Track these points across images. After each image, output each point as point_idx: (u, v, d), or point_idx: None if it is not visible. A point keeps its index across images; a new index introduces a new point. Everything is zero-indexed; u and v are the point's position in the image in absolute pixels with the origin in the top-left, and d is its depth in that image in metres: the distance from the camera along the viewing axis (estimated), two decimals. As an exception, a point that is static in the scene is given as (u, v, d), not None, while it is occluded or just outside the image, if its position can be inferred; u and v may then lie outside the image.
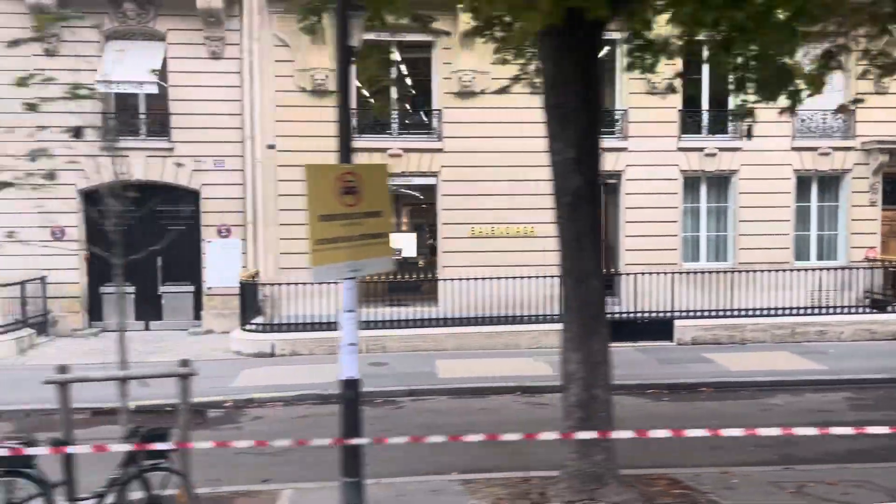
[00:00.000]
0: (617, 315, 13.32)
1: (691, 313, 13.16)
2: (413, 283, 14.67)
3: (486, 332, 12.60)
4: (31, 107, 5.78)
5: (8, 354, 12.29)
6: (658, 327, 12.91)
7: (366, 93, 14.93)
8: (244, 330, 12.75)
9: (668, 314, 13.04)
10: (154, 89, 13.76)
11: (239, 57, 14.21)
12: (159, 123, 14.40)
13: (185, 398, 5.48)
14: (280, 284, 13.34)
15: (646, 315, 13.16)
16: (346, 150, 5.49)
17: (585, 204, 5.09)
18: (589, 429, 5.17)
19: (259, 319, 13.02)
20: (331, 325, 12.75)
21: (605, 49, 14.60)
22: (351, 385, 5.37)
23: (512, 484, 6.02)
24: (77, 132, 6.32)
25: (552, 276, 13.93)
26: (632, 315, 13.18)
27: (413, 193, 15.54)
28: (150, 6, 13.90)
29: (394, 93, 14.88)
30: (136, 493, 5.12)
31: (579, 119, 5.00)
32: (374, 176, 5.45)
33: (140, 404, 9.50)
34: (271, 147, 14.41)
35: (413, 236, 15.39)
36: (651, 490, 5.68)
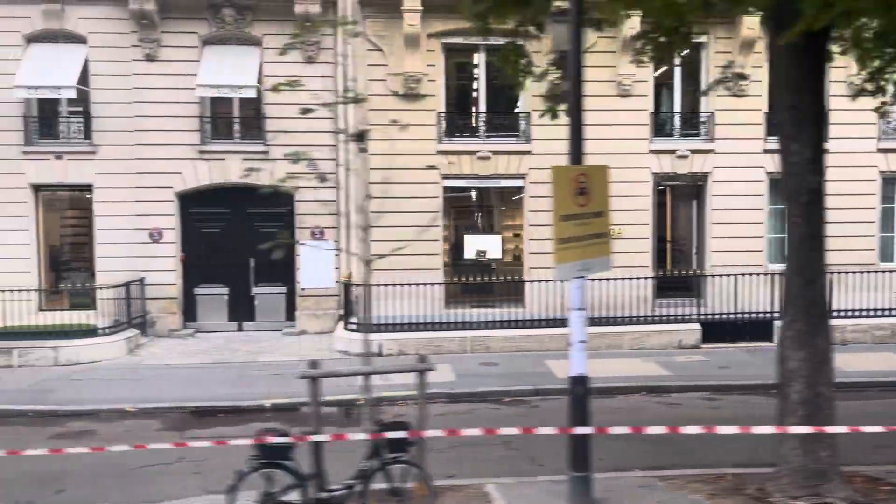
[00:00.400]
0: (713, 316, 13.44)
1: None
2: (499, 284, 14.80)
3: (591, 333, 12.64)
4: (306, 111, 5.82)
5: (119, 354, 12.53)
6: (757, 328, 12.97)
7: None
8: (348, 329, 12.92)
9: (767, 315, 13.09)
10: (252, 93, 13.98)
11: (332, 61, 14.41)
12: (255, 127, 14.62)
13: (422, 392, 5.62)
14: (379, 285, 13.42)
15: (745, 316, 13.22)
16: (577, 152, 5.61)
17: (819, 203, 5.21)
18: (814, 425, 5.27)
19: (361, 320, 13.15)
20: (434, 326, 12.95)
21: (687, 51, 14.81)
22: (580, 381, 5.50)
23: (711, 480, 6.13)
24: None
25: (643, 278, 14.14)
26: (731, 316, 13.24)
27: (500, 195, 15.65)
28: (247, 12, 14.13)
29: (481, 95, 15.05)
30: (379, 485, 5.27)
31: (814, 120, 5.12)
32: (599, 177, 5.58)
33: (276, 402, 9.77)
34: (363, 150, 14.55)
35: (498, 238, 15.51)
36: (863, 487, 5.77)
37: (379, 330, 12.69)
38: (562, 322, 13.13)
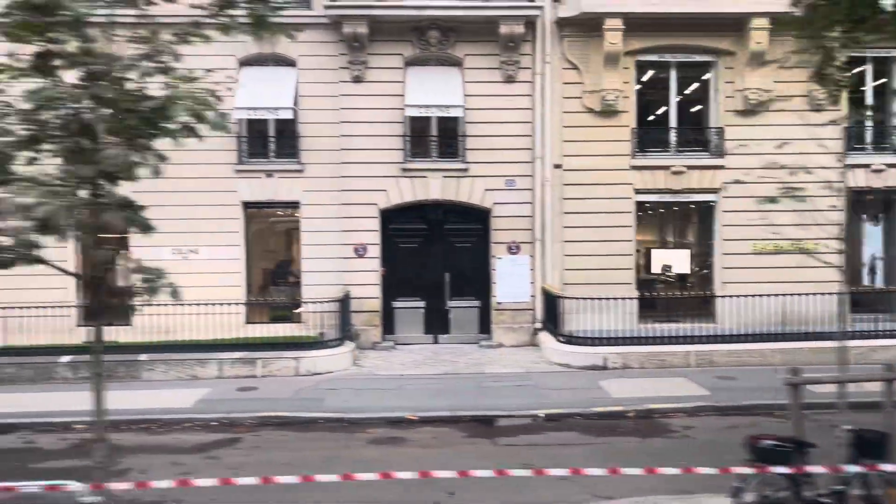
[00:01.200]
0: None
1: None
2: (690, 299, 14.86)
3: (814, 348, 12.60)
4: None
5: (347, 365, 12.92)
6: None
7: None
8: (562, 342, 13.08)
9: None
10: (459, 113, 14.38)
11: (530, 80, 14.75)
12: (453, 144, 15.00)
13: (892, 399, 5.70)
14: (582, 299, 13.59)
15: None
16: None
17: None
18: None
19: (577, 333, 13.29)
20: (655, 340, 13.06)
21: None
22: None
23: None
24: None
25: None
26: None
27: (688, 210, 15.71)
28: (451, 33, 14.57)
29: (672, 111, 15.22)
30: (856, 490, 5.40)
31: None
32: None
33: (549, 412, 9.96)
34: (557, 166, 14.86)
35: (686, 252, 15.57)
36: None
37: (605, 343, 12.88)
38: (772, 337, 13.20)
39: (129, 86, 4.92)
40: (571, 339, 13.04)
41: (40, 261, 4.98)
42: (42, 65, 4.63)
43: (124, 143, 4.78)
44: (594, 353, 12.61)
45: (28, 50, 4.85)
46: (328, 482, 6.36)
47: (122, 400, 10.66)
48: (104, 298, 5.35)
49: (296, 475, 6.36)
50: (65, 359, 12.17)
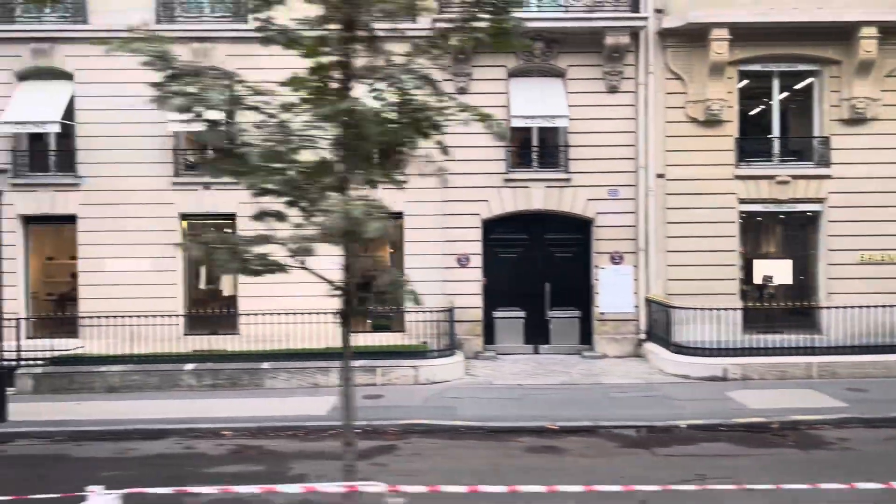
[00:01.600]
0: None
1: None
2: (794, 309, 14.67)
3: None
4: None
5: (460, 374, 12.96)
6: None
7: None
8: (677, 353, 12.98)
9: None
10: (565, 123, 14.42)
11: (633, 91, 14.76)
12: (554, 155, 15.05)
13: None
14: (693, 309, 13.48)
15: None
16: None
17: None
18: None
19: (690, 343, 13.15)
20: (774, 351, 12.92)
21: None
22: None
23: None
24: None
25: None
26: None
27: (790, 220, 15.53)
28: (555, 45, 14.65)
29: (775, 120, 15.13)
30: None
31: None
32: None
33: (691, 423, 9.85)
34: (660, 176, 14.83)
35: (789, 263, 15.38)
36: None
37: (724, 354, 12.76)
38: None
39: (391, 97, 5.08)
40: (689, 350, 12.93)
41: (304, 267, 5.12)
42: (338, 79, 4.78)
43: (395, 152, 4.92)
44: (713, 364, 12.49)
45: (304, 63, 5.04)
46: (533, 492, 6.42)
47: (257, 407, 10.90)
48: (359, 306, 5.44)
49: (503, 485, 6.41)
50: (188, 366, 12.37)
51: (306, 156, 5.18)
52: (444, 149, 5.26)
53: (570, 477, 7.47)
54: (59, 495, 6.19)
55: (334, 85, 5.01)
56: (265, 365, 12.37)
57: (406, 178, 5.57)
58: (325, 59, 4.96)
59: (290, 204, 5.05)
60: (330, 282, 5.39)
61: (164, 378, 12.29)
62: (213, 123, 4.78)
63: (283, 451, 8.98)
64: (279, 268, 5.24)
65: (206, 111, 4.66)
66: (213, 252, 5.00)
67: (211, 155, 5.28)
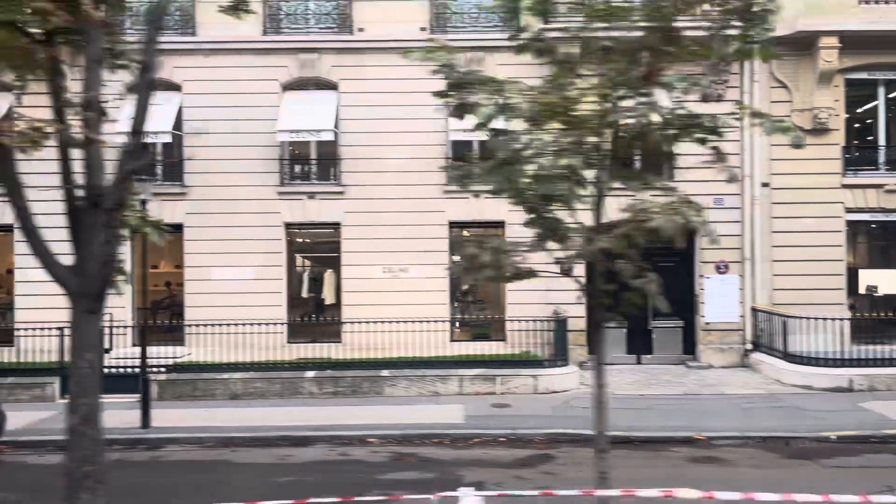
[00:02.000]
0: None
1: None
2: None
3: None
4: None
5: (576, 384, 12.87)
6: None
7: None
8: (797, 363, 12.80)
9: None
10: (672, 131, 14.34)
11: (737, 99, 14.68)
12: (657, 164, 14.98)
13: None
14: (805, 318, 13.28)
15: None
16: None
17: None
18: None
19: (810, 353, 12.95)
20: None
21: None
22: None
23: None
24: None
25: None
26: None
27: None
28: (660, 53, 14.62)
29: (881, 129, 14.97)
30: None
31: None
32: None
33: (841, 434, 9.72)
34: (766, 185, 14.72)
35: (894, 273, 15.16)
36: None
37: (849, 365, 12.58)
38: None
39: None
40: (807, 360, 12.75)
41: (567, 274, 5.15)
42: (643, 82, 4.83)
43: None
44: (838, 375, 12.31)
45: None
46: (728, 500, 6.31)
47: (388, 415, 10.92)
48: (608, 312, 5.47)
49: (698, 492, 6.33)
50: (310, 374, 12.46)
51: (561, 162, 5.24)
52: (721, 155, 5.24)
53: (755, 485, 7.35)
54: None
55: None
56: (385, 373, 12.42)
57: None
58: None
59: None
60: (582, 288, 5.41)
61: (285, 385, 12.39)
62: (499, 132, 4.84)
63: (441, 458, 8.99)
64: (530, 274, 5.31)
65: (494, 120, 4.72)
66: (479, 257, 5.07)
67: (474, 164, 5.29)
